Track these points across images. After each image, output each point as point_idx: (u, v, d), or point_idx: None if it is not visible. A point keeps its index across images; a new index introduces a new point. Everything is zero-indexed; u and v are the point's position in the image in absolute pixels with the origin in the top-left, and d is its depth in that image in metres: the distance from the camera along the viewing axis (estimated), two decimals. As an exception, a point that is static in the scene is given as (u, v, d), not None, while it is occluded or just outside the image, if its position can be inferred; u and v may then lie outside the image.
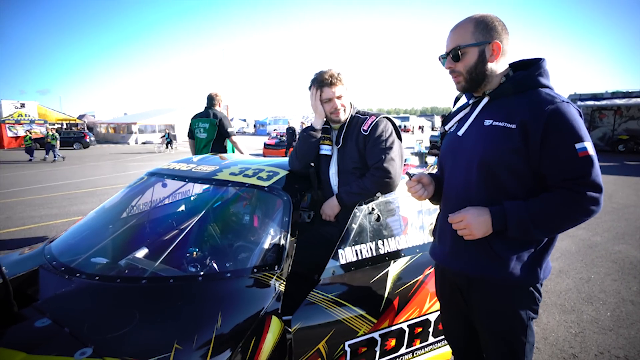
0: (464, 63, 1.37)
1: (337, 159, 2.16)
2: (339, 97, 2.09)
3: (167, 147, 23.48)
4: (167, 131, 25.01)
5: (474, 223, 1.30)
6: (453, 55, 1.37)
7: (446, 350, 2.10)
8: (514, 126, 1.27)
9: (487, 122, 1.35)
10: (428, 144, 19.47)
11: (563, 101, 1.25)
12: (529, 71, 1.34)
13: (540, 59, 1.37)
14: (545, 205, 1.25)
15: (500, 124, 1.31)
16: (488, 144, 1.33)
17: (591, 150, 1.22)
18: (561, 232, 1.33)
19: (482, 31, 1.33)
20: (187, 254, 2.00)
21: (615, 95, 20.84)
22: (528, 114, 1.25)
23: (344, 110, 2.12)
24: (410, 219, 2.19)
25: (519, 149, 1.26)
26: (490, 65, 1.35)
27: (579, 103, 20.45)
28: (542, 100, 1.26)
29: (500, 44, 1.33)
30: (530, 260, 1.33)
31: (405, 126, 49.60)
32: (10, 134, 28.34)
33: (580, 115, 1.27)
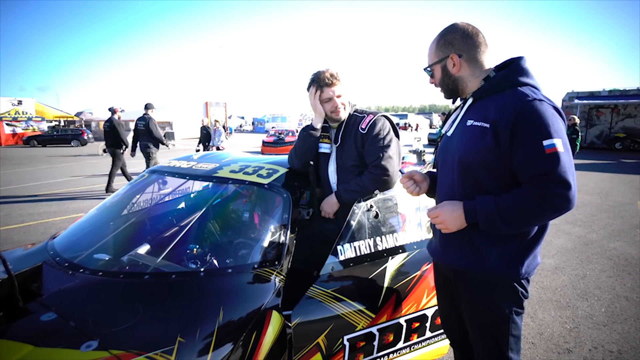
0: (435, 78, 1.53)
1: (336, 157, 2.19)
2: (338, 96, 2.11)
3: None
4: None
5: (448, 218, 1.37)
6: (428, 73, 1.55)
7: (443, 345, 2.14)
8: (487, 125, 1.32)
9: (469, 123, 1.40)
10: (426, 142, 19.46)
11: (536, 99, 1.26)
12: (506, 71, 1.38)
13: (518, 58, 1.40)
14: (513, 201, 1.27)
15: (477, 123, 1.36)
16: (466, 143, 1.38)
17: (560, 147, 1.22)
18: (530, 227, 1.36)
19: (442, 47, 1.45)
20: (188, 251, 2.02)
21: (613, 93, 20.89)
22: (499, 113, 1.29)
23: (344, 108, 2.15)
24: (408, 216, 2.22)
25: (491, 147, 1.30)
26: (456, 76, 1.45)
27: (576, 101, 20.48)
28: (514, 99, 1.29)
29: (457, 55, 1.42)
30: (511, 255, 1.36)
31: (406, 124, 49.43)
32: (7, 130, 28.23)
33: (559, 113, 1.28)
